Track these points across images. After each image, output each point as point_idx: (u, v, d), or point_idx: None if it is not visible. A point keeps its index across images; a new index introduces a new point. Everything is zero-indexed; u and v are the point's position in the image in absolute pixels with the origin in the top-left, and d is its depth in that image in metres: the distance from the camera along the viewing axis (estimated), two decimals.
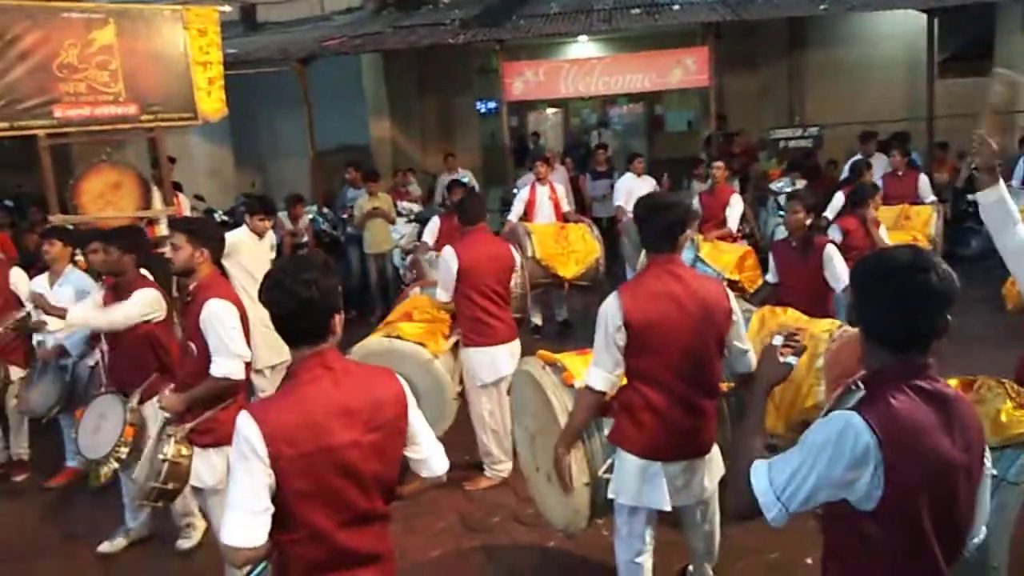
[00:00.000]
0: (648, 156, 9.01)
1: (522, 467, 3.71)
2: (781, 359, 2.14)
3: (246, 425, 1.95)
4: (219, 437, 3.37)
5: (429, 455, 2.23)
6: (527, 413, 3.54)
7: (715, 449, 3.08)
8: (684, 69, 9.48)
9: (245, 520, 1.93)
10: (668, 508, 2.99)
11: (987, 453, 1.83)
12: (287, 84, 10.52)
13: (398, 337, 4.79)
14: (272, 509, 1.94)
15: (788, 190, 7.84)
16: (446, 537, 4.27)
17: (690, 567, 3.44)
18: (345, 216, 9.22)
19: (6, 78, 5.81)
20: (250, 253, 5.52)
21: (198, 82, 6.51)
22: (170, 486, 3.38)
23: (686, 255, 5.65)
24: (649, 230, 2.99)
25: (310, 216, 9.19)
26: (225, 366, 3.32)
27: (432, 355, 4.71)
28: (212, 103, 6.62)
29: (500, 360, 4.68)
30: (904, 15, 10.47)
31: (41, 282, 5.02)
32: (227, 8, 7.52)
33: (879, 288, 1.75)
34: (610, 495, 3.07)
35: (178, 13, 6.44)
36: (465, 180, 9.45)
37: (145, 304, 4.07)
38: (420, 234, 9.05)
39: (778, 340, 2.18)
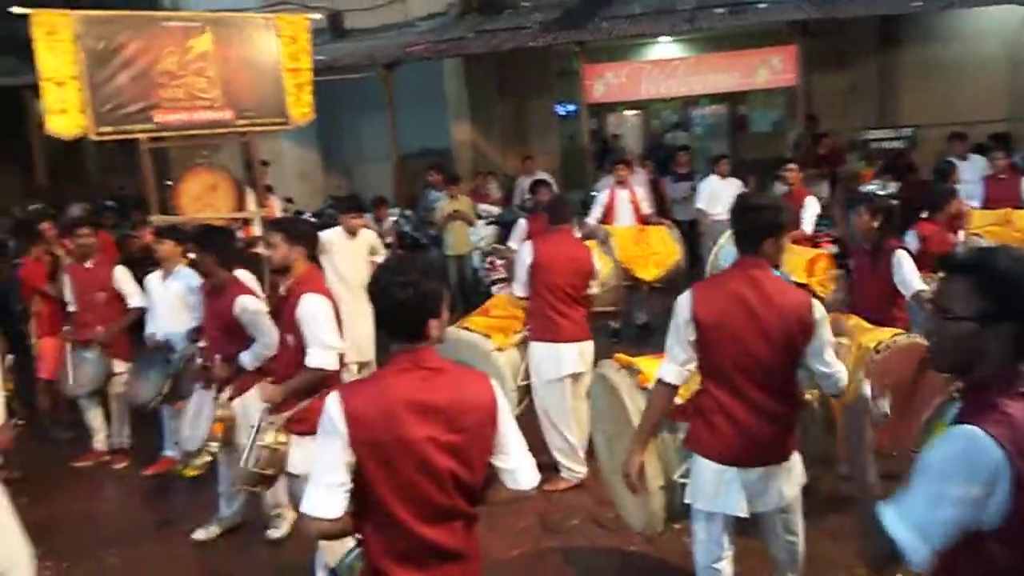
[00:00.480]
0: (732, 158, 8.82)
1: (601, 470, 3.70)
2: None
3: (332, 404, 2.06)
4: (314, 426, 3.40)
5: (517, 467, 2.21)
6: (604, 416, 3.54)
7: (795, 457, 3.00)
8: (770, 68, 9.27)
9: (323, 492, 2.02)
10: (744, 514, 2.93)
11: None
12: (372, 90, 10.77)
13: (466, 329, 4.88)
14: (349, 485, 2.03)
15: (881, 193, 7.57)
16: (525, 537, 4.29)
17: None
18: (428, 219, 9.38)
19: (111, 85, 6.16)
20: (343, 251, 5.69)
21: (288, 87, 6.75)
22: (269, 471, 3.55)
23: None
24: (736, 230, 2.96)
25: (394, 218, 9.41)
26: (320, 357, 3.47)
27: (495, 347, 4.77)
28: (301, 108, 6.86)
29: (566, 358, 4.69)
30: (1004, 10, 9.96)
31: (155, 279, 5.26)
32: (317, 16, 7.76)
33: None
34: (687, 500, 3.04)
35: (271, 21, 6.69)
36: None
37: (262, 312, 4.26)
38: (500, 236, 9.18)
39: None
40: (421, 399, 2.07)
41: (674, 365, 2.91)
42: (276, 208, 8.66)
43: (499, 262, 8.11)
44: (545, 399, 4.76)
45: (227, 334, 4.23)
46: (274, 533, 4.45)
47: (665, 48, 12.46)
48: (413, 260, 2.23)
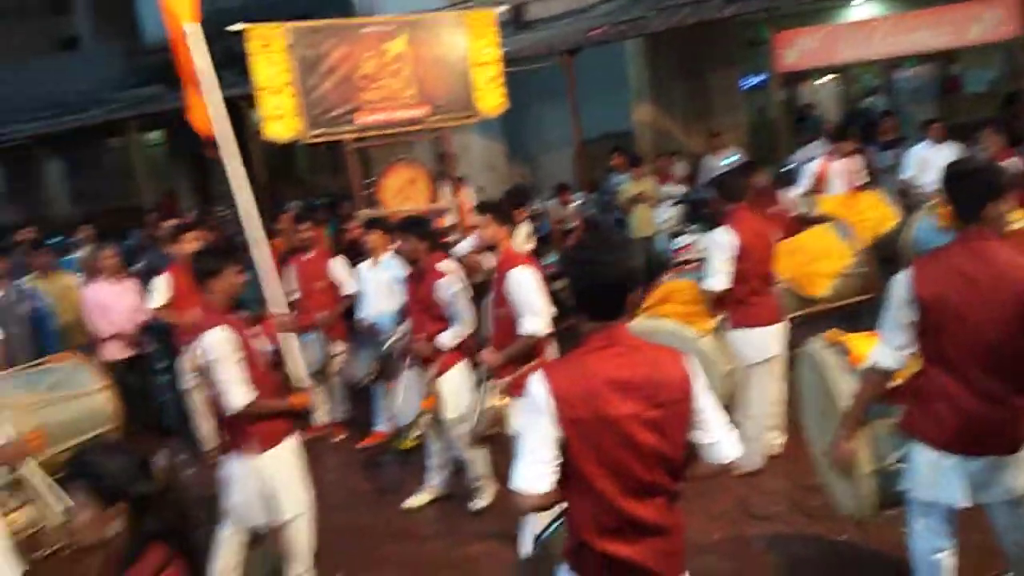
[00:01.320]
0: (944, 121, 8.06)
1: (811, 451, 3.57)
2: None
3: (536, 381, 2.12)
4: None
5: (718, 440, 2.22)
6: (812, 396, 3.41)
7: None
8: (985, 22, 8.37)
9: (532, 468, 2.10)
10: (966, 504, 2.73)
11: None
12: (552, 78, 10.88)
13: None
14: (558, 460, 2.09)
15: None
16: (724, 521, 4.22)
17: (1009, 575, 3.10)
18: (612, 201, 9.39)
19: (319, 90, 6.68)
20: None
21: (477, 81, 7.00)
22: (495, 430, 3.90)
23: None
24: (953, 198, 2.75)
25: (578, 202, 9.51)
26: (532, 324, 3.81)
27: (699, 334, 4.72)
28: (492, 100, 7.09)
29: (768, 340, 4.59)
30: None
31: (365, 267, 5.73)
32: (503, 8, 7.98)
33: None
34: (902, 487, 2.87)
35: (460, 18, 6.97)
36: (734, 159, 9.19)
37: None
38: (686, 217, 8.99)
39: None
40: (620, 376, 2.10)
41: (889, 349, 2.76)
42: (469, 198, 9.02)
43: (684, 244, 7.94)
44: (750, 383, 4.67)
45: (429, 315, 4.54)
46: (478, 503, 4.69)
47: (861, 10, 11.59)
48: (610, 237, 2.29)
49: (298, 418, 3.77)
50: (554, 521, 2.26)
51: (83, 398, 3.98)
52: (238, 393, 3.42)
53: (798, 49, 8.96)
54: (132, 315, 6.09)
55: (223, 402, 3.46)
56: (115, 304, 6.09)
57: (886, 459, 2.94)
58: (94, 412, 3.99)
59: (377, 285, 5.62)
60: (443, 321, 4.54)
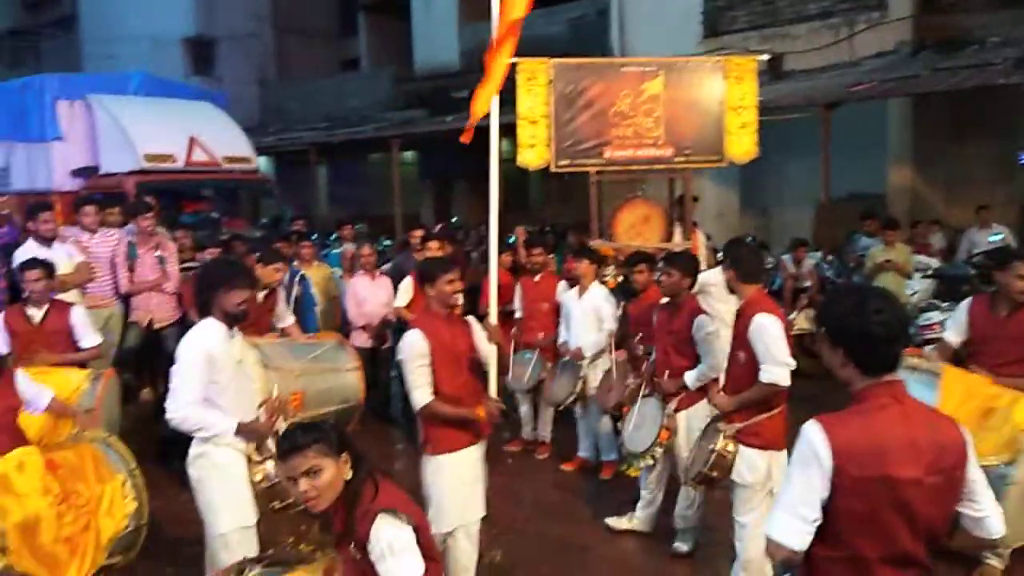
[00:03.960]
0: None
1: None
2: None
3: (815, 433, 2.02)
4: (764, 441, 3.71)
5: (987, 514, 2.09)
6: None
7: None
8: None
9: (792, 521, 2.02)
10: None
11: None
12: (800, 132, 10.53)
13: None
14: (819, 521, 2.01)
15: None
16: None
17: None
18: (854, 265, 8.86)
19: (572, 124, 6.96)
20: (720, 292, 5.69)
21: (729, 126, 6.95)
22: (714, 474, 3.83)
23: None
24: None
25: (814, 262, 9.08)
26: (774, 373, 3.67)
27: None
28: (743, 146, 7.01)
29: None
30: None
31: (572, 294, 5.92)
32: (765, 57, 7.88)
33: None
34: None
35: (720, 64, 6.97)
36: (1000, 236, 8.36)
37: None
38: (939, 292, 8.28)
39: None
40: (908, 437, 2.00)
41: None
42: (700, 242, 8.93)
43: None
44: None
45: (677, 350, 4.57)
46: (681, 547, 4.60)
47: None
48: (879, 291, 2.20)
49: (479, 428, 3.83)
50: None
51: (339, 373, 4.42)
52: (418, 394, 3.67)
53: None
54: (381, 309, 6.73)
55: (411, 401, 3.73)
56: (369, 297, 6.79)
57: None
58: (344, 388, 4.41)
59: (583, 313, 5.76)
60: (689, 358, 4.53)
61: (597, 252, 6.09)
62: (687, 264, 4.65)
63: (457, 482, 3.75)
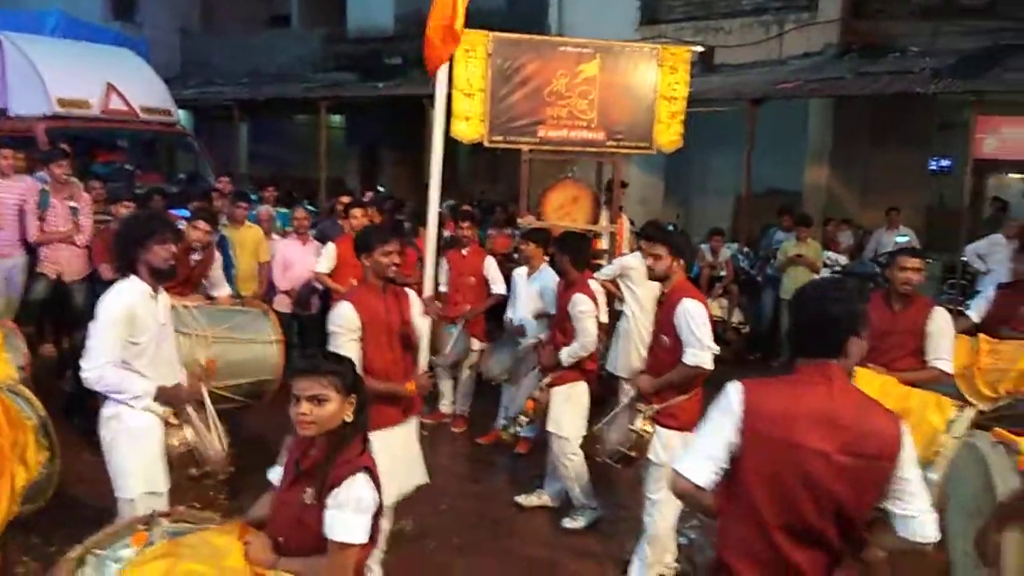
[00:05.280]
0: None
1: (948, 547, 3.38)
2: None
3: (734, 389, 2.16)
4: (681, 423, 3.83)
5: (915, 514, 2.09)
6: (965, 488, 3.24)
7: None
8: None
9: (698, 459, 2.15)
10: None
11: None
12: (726, 125, 10.80)
13: None
14: (724, 464, 2.12)
15: None
16: None
17: None
18: (767, 257, 9.20)
19: (508, 100, 6.93)
20: (640, 277, 5.80)
21: (660, 115, 7.06)
22: (632, 453, 3.95)
23: None
24: None
25: (730, 252, 9.37)
26: (698, 356, 3.75)
27: None
28: (670, 136, 7.13)
29: None
30: None
31: (521, 273, 5.88)
32: (700, 49, 8.01)
33: None
34: None
35: (655, 52, 7.05)
36: (906, 239, 8.80)
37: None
38: None
39: None
40: (825, 410, 2.07)
41: None
42: (625, 227, 9.07)
43: None
44: None
45: (561, 328, 4.68)
46: (570, 523, 4.74)
47: None
48: (845, 280, 2.31)
49: (409, 404, 3.78)
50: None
51: (257, 345, 4.26)
52: None
53: (999, 138, 8.46)
54: (309, 275, 6.61)
55: None
56: (298, 262, 6.65)
57: None
58: (261, 361, 4.25)
59: (529, 293, 5.77)
60: (569, 335, 4.65)
61: (547, 233, 6.10)
62: (573, 248, 4.75)
63: (388, 459, 3.70)
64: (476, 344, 6.23)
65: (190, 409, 3.53)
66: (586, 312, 4.55)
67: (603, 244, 7.54)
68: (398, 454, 3.71)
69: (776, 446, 2.07)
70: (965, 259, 8.27)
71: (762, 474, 2.09)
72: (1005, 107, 9.44)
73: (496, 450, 5.99)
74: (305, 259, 6.73)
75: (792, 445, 2.06)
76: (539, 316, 5.59)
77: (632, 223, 10.80)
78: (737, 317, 9.09)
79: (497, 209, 10.71)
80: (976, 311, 5.34)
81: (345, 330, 3.56)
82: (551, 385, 4.64)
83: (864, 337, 2.15)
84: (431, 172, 4.42)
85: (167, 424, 3.44)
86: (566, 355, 4.58)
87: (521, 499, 5.00)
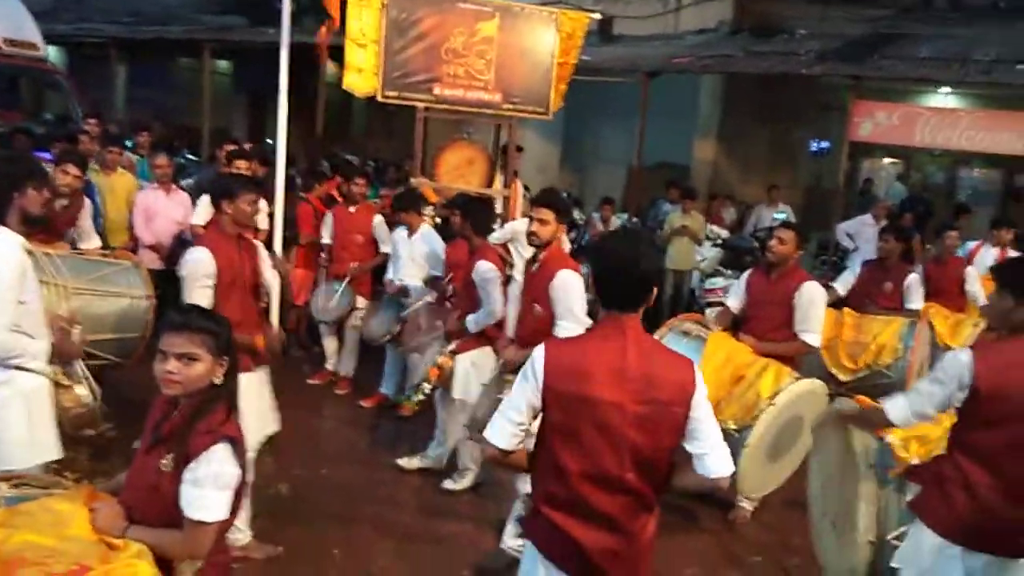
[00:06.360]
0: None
1: (809, 509, 3.57)
2: None
3: (538, 353, 2.23)
4: None
5: (708, 452, 2.20)
6: (827, 452, 3.41)
7: None
8: None
9: (503, 424, 2.23)
10: None
11: None
12: (621, 96, 10.91)
13: None
14: (526, 426, 2.22)
15: None
16: (702, 559, 4.26)
17: None
18: (653, 227, 9.42)
19: (403, 54, 6.72)
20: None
21: (555, 81, 7.03)
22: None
23: None
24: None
25: (620, 222, 9.55)
26: (571, 329, 3.67)
27: None
28: (557, 100, 7.12)
29: None
30: None
31: (402, 233, 5.78)
32: (598, 17, 8.00)
33: None
34: (894, 563, 2.87)
35: (554, 15, 7.00)
36: (784, 215, 9.18)
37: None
38: (724, 260, 9.01)
39: None
40: (617, 363, 2.16)
41: (913, 408, 2.75)
42: (519, 193, 9.06)
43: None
44: None
45: (468, 294, 4.56)
46: (451, 484, 4.74)
47: (943, 99, 11.53)
48: (640, 233, 2.39)
49: (257, 354, 3.69)
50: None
51: (124, 299, 3.96)
52: None
53: (874, 122, 8.89)
54: (174, 227, 6.15)
55: None
56: (161, 212, 6.16)
57: (888, 533, 2.94)
58: (128, 316, 3.95)
59: (411, 254, 5.69)
60: (475, 302, 4.55)
61: (422, 200, 6.01)
62: (476, 212, 4.73)
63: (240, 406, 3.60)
64: (361, 302, 6.08)
65: (79, 366, 3.25)
66: (491, 279, 4.47)
67: (497, 208, 7.48)
68: (251, 402, 3.54)
69: (573, 401, 2.16)
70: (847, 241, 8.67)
71: (563, 430, 2.18)
72: (881, 93, 9.95)
73: (380, 413, 5.90)
74: (170, 210, 6.21)
75: (588, 399, 2.15)
76: (427, 281, 5.52)
77: (527, 190, 10.85)
78: None
79: (390, 168, 10.48)
80: (843, 285, 5.64)
81: (200, 276, 3.43)
82: (456, 352, 4.55)
83: (653, 295, 2.25)
84: (278, 122, 4.51)
85: (57, 386, 3.14)
86: (472, 322, 4.50)
87: (403, 462, 4.95)
